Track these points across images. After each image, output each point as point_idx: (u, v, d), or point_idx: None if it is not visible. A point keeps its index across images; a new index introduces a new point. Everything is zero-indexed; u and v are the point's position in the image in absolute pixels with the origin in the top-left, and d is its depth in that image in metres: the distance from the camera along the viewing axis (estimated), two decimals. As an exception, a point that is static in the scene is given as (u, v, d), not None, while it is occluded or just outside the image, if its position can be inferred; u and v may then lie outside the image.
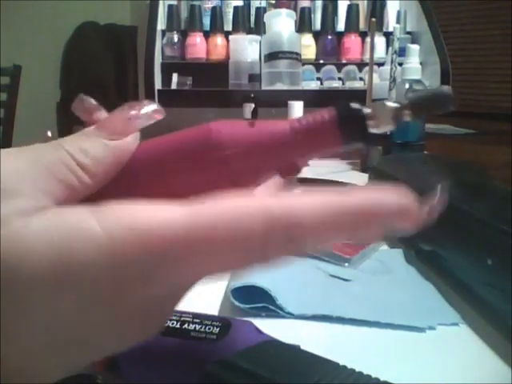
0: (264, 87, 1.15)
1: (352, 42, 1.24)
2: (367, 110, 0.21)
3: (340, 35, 1.25)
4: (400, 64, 0.93)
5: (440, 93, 0.21)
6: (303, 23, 1.23)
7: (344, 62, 1.25)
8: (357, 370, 0.27)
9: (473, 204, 0.44)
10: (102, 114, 0.22)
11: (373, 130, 0.21)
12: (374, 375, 0.27)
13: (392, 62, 0.98)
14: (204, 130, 0.21)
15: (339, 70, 1.24)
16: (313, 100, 1.10)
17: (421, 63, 0.89)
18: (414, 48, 0.88)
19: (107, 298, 0.16)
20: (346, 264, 0.48)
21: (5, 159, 0.17)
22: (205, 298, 0.34)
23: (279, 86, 1.13)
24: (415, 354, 0.35)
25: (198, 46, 1.20)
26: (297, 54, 1.15)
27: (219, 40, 1.21)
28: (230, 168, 0.20)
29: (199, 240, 0.16)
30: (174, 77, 1.17)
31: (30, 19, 2.46)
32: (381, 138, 0.94)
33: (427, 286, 0.44)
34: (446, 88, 0.21)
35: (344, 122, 0.21)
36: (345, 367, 0.27)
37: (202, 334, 0.27)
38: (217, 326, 0.28)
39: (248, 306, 0.38)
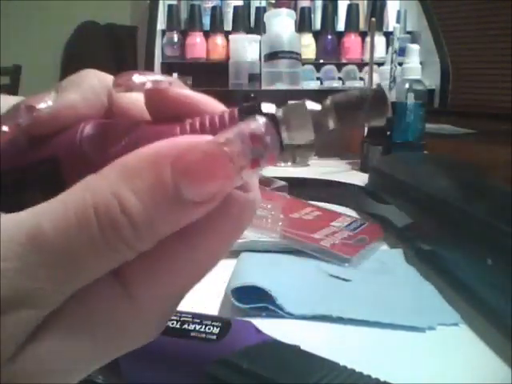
0: (264, 87, 1.15)
1: (352, 41, 1.24)
2: (279, 114, 0.16)
3: (340, 35, 1.25)
4: (400, 64, 0.93)
5: (369, 92, 0.16)
6: (303, 23, 1.23)
7: (344, 61, 1.25)
8: (357, 370, 0.27)
9: (473, 204, 0.44)
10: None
11: (286, 142, 0.16)
12: (374, 375, 0.27)
13: (392, 61, 0.98)
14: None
15: (339, 70, 1.24)
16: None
17: (421, 63, 0.89)
18: (414, 48, 0.88)
19: None
20: (346, 264, 0.48)
21: None
22: (205, 298, 0.34)
23: (279, 86, 1.13)
24: (415, 354, 0.35)
25: (197, 45, 1.20)
26: (297, 53, 1.14)
27: (219, 40, 1.21)
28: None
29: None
30: (174, 77, 1.17)
31: (30, 19, 2.46)
32: (380, 138, 0.94)
33: (427, 286, 0.44)
34: (376, 87, 0.16)
35: None
36: (345, 367, 0.27)
37: (201, 334, 0.27)
38: (217, 326, 0.28)
39: (248, 306, 0.38)
